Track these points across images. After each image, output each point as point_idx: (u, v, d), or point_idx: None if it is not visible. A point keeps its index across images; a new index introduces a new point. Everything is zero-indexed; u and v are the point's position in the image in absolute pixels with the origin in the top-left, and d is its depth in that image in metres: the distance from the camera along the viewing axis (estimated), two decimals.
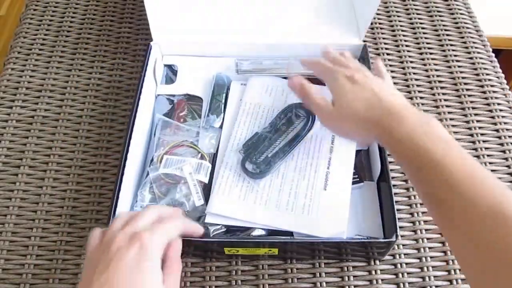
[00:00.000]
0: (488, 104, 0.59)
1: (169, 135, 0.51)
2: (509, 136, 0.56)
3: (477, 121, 0.58)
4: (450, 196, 0.34)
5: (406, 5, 0.69)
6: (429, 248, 0.49)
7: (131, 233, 0.36)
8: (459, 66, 0.62)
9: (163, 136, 0.51)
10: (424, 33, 0.65)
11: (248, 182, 0.48)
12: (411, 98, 0.59)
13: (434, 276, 0.47)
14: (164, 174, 0.47)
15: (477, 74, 0.62)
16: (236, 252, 0.46)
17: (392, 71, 0.62)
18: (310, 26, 0.59)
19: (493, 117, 0.58)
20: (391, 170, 0.47)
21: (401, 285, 0.47)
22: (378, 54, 0.63)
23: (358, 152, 0.51)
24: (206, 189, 0.48)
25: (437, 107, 0.59)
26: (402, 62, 0.63)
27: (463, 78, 0.61)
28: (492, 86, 0.60)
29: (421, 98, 0.59)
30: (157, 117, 0.53)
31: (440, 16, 0.67)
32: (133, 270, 0.34)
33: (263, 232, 0.46)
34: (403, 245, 0.49)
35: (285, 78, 0.56)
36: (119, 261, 0.34)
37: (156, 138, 0.51)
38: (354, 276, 0.47)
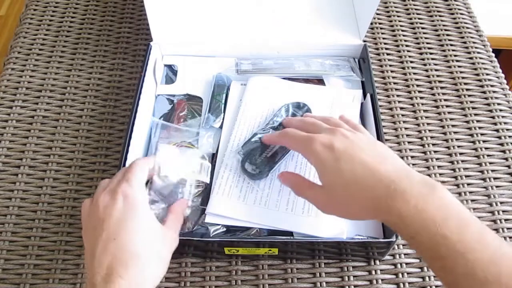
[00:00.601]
0: (488, 104, 0.59)
1: (167, 137, 0.51)
2: (509, 136, 0.56)
3: (477, 121, 0.58)
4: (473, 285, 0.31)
5: (406, 5, 0.69)
6: None
7: (110, 191, 0.39)
8: (459, 66, 0.62)
9: (162, 140, 0.51)
10: (424, 33, 0.65)
11: (248, 183, 0.48)
12: (411, 98, 0.59)
13: (434, 276, 0.47)
14: (164, 175, 0.47)
15: (477, 74, 0.62)
16: (236, 252, 0.46)
17: (392, 71, 0.62)
18: (310, 26, 0.60)
19: (493, 117, 0.58)
20: None
21: (401, 285, 0.47)
22: (378, 54, 0.63)
23: None
24: (206, 189, 0.48)
25: (437, 107, 0.59)
26: (402, 62, 0.63)
27: (463, 78, 0.61)
28: (492, 86, 0.60)
29: (421, 98, 0.59)
30: (155, 121, 0.53)
31: (440, 16, 0.67)
32: (126, 218, 0.37)
33: (262, 231, 0.46)
34: (403, 245, 0.49)
35: (285, 78, 0.56)
36: (111, 216, 0.37)
37: (154, 142, 0.51)
38: (354, 276, 0.47)
